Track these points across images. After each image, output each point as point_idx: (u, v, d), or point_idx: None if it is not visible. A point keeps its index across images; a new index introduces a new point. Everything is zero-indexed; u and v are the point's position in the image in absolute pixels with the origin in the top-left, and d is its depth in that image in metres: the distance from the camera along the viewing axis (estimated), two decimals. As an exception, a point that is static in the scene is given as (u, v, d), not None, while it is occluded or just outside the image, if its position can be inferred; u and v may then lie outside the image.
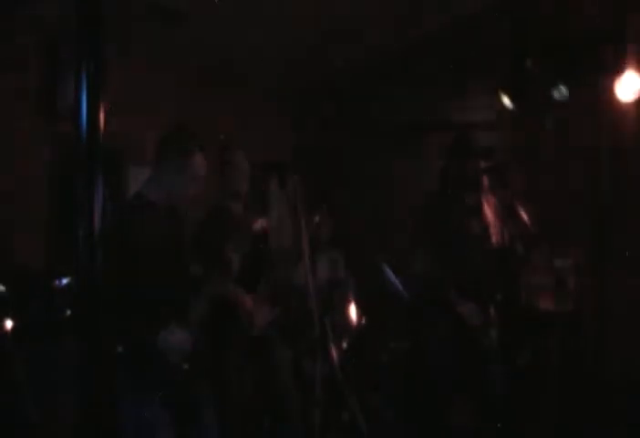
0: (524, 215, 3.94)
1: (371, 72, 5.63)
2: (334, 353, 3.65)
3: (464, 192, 3.54)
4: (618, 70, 4.32)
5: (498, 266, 3.63)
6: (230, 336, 3.29)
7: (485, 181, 3.53)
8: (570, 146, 4.74)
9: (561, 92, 4.49)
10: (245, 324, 3.31)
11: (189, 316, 2.56)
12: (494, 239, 3.56)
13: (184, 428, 2.54)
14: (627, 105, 4.39)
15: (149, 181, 2.67)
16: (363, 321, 4.54)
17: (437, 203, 3.59)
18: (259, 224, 3.47)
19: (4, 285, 3.11)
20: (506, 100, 4.71)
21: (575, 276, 4.42)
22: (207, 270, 2.75)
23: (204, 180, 2.68)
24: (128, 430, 2.38)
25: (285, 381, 3.45)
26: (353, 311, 4.52)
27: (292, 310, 3.61)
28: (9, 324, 2.99)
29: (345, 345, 4.34)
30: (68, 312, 3.19)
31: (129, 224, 2.48)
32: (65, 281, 3.29)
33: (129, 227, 2.47)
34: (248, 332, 3.32)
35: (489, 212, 3.58)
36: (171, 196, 2.64)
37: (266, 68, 5.07)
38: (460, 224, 3.51)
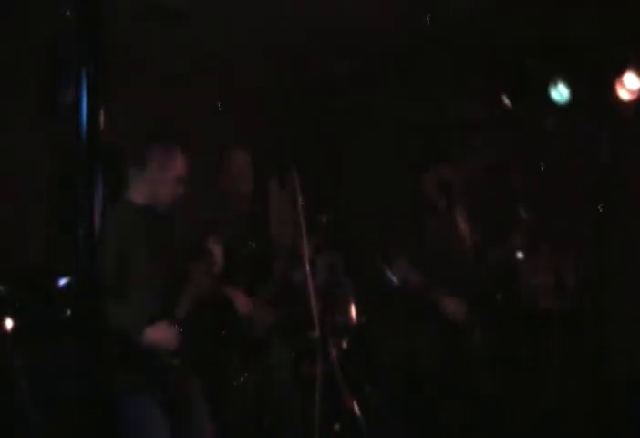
0: (523, 215, 3.94)
1: (371, 72, 5.63)
2: (334, 353, 3.65)
3: (436, 196, 3.53)
4: (618, 70, 4.32)
5: (497, 267, 3.64)
6: (229, 336, 3.30)
7: (458, 184, 3.53)
8: (570, 146, 4.74)
9: (561, 92, 4.49)
10: (245, 325, 3.32)
11: (175, 310, 2.58)
12: (474, 241, 3.56)
13: (177, 427, 2.54)
14: (627, 105, 4.39)
15: (133, 182, 2.68)
16: (363, 321, 4.53)
17: (413, 207, 3.59)
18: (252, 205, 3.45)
19: (4, 285, 3.11)
20: (506, 100, 4.71)
21: (575, 276, 4.42)
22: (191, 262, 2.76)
23: (187, 178, 2.70)
24: (124, 429, 2.39)
25: (285, 381, 3.45)
26: (353, 311, 4.52)
27: (292, 310, 3.61)
28: (9, 324, 2.99)
29: (345, 345, 4.34)
30: (68, 312, 3.19)
31: (113, 226, 2.48)
32: (65, 281, 3.29)
33: (113, 229, 2.47)
34: (248, 333, 3.33)
35: (463, 214, 3.59)
36: (155, 196, 2.65)
37: (266, 68, 5.07)
38: (439, 228, 3.50)
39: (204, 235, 2.79)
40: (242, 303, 3.30)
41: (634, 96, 4.32)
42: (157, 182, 2.64)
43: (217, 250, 2.76)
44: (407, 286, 3.50)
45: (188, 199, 2.78)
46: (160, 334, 2.50)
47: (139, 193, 2.65)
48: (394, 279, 4.02)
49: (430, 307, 3.43)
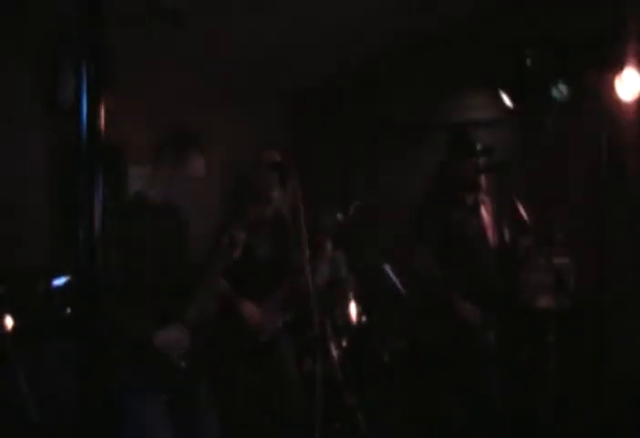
0: (524, 215, 3.94)
1: (371, 72, 5.63)
2: (334, 352, 3.65)
3: (463, 192, 3.54)
4: (618, 70, 4.32)
5: (498, 266, 3.64)
6: (236, 341, 3.31)
7: (484, 180, 3.53)
8: (570, 146, 4.74)
9: (561, 92, 4.49)
10: (253, 334, 3.32)
11: (186, 313, 2.57)
12: (492, 239, 3.56)
13: (182, 428, 2.54)
14: (627, 105, 4.39)
15: (147, 180, 2.68)
16: (363, 320, 4.54)
17: (435, 202, 3.58)
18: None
19: (4, 285, 3.11)
20: (506, 100, 4.71)
21: (575, 276, 4.42)
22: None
23: (203, 179, 2.69)
24: (127, 429, 2.39)
25: (289, 381, 3.45)
26: (353, 310, 4.52)
27: (295, 310, 3.61)
28: (9, 324, 2.99)
29: (345, 344, 4.34)
30: (68, 312, 3.20)
31: (128, 222, 2.49)
32: (64, 281, 3.29)
33: (128, 226, 2.48)
34: (256, 339, 3.34)
35: (486, 212, 3.58)
36: (169, 195, 2.64)
37: (267, 67, 5.07)
38: (459, 225, 3.50)
39: (229, 221, 2.77)
40: (251, 314, 3.31)
41: (635, 96, 4.32)
42: (172, 181, 2.63)
43: (241, 235, 2.73)
44: (425, 280, 3.49)
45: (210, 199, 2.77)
46: (173, 336, 2.49)
47: (155, 192, 2.65)
48: (395, 279, 4.02)
49: (442, 305, 3.43)
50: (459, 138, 3.62)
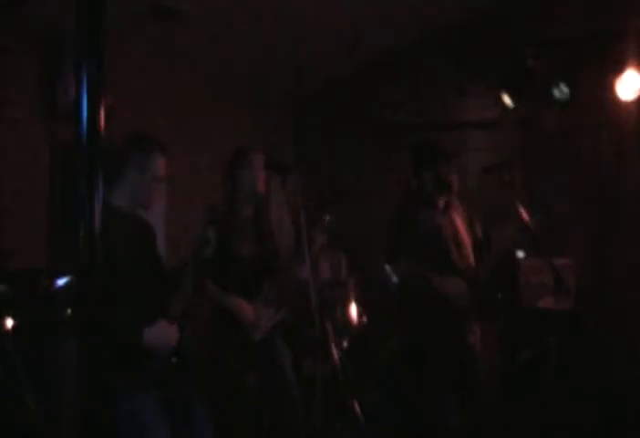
0: (525, 215, 3.94)
1: (371, 72, 5.63)
2: (334, 353, 3.65)
3: (435, 193, 3.53)
4: (618, 70, 4.32)
5: (498, 267, 3.64)
6: (231, 340, 3.31)
7: (454, 182, 3.52)
8: (570, 145, 4.74)
9: (561, 92, 4.49)
10: (247, 330, 3.32)
11: (170, 310, 2.58)
12: (467, 240, 3.56)
13: (176, 426, 2.55)
14: (627, 105, 4.39)
15: (113, 186, 2.67)
16: (364, 320, 4.54)
17: (409, 204, 3.59)
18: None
19: (4, 285, 3.11)
20: (506, 100, 4.71)
21: (575, 275, 4.42)
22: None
23: (165, 180, 2.71)
24: (126, 429, 2.39)
25: (287, 381, 3.45)
26: (354, 311, 4.52)
27: (292, 310, 3.61)
28: (9, 324, 2.99)
29: (345, 344, 4.34)
30: (68, 312, 3.19)
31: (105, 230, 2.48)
32: (65, 280, 3.29)
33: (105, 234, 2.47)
34: (250, 338, 3.33)
35: (458, 213, 3.59)
36: (135, 198, 2.66)
37: (267, 67, 5.07)
38: (433, 226, 3.49)
39: (204, 222, 2.79)
40: (243, 311, 3.31)
41: (635, 95, 4.32)
42: (136, 184, 2.65)
43: (211, 234, 2.75)
44: (409, 280, 3.49)
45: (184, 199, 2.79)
46: (159, 334, 2.50)
47: (120, 197, 2.66)
48: (394, 278, 4.02)
49: (434, 302, 3.42)
50: (426, 142, 3.64)
